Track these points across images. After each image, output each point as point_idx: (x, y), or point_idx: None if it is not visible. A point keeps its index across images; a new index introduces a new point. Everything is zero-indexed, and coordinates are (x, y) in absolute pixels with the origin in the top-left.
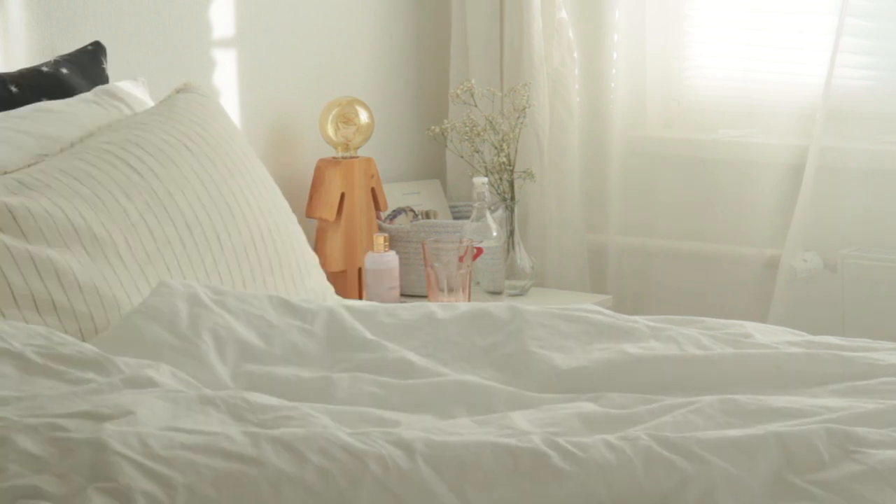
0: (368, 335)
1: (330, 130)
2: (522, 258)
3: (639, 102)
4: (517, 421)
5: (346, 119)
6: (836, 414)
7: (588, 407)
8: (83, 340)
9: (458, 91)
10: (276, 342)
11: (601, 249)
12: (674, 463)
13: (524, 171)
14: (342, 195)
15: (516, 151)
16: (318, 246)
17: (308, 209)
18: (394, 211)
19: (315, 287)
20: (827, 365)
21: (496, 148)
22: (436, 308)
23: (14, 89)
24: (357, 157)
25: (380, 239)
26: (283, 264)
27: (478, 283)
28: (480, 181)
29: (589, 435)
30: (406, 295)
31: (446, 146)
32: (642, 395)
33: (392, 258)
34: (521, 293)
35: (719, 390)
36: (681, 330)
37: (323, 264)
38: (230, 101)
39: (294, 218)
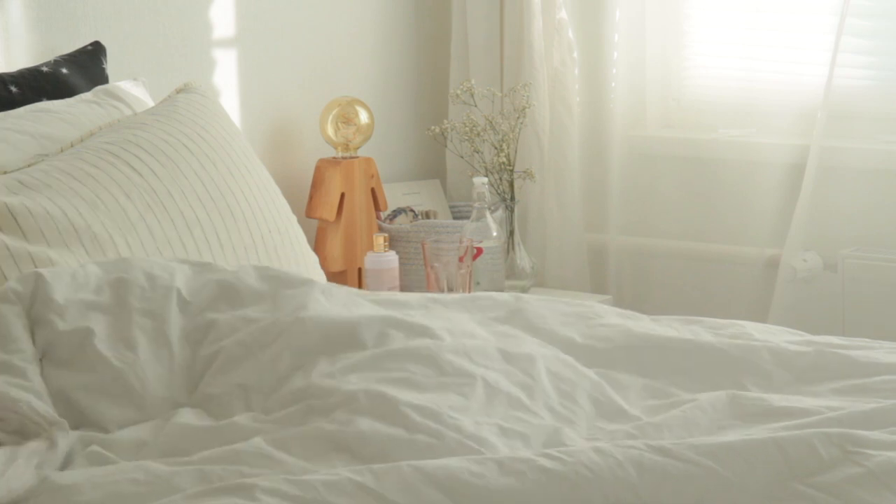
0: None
1: (330, 130)
2: (522, 258)
3: (639, 102)
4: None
5: (346, 119)
6: (836, 413)
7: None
8: None
9: (458, 91)
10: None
11: (601, 249)
12: (668, 469)
13: (524, 171)
14: (342, 195)
15: (516, 151)
16: (318, 246)
17: (308, 209)
18: (394, 211)
19: None
20: (828, 364)
21: (496, 148)
22: (433, 295)
23: (14, 89)
24: (357, 157)
25: (380, 239)
26: (283, 264)
27: (478, 283)
28: (480, 181)
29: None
30: None
31: (446, 146)
32: (648, 383)
33: (392, 258)
34: (521, 293)
35: (723, 376)
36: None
37: (323, 264)
38: (230, 101)
39: (294, 218)
